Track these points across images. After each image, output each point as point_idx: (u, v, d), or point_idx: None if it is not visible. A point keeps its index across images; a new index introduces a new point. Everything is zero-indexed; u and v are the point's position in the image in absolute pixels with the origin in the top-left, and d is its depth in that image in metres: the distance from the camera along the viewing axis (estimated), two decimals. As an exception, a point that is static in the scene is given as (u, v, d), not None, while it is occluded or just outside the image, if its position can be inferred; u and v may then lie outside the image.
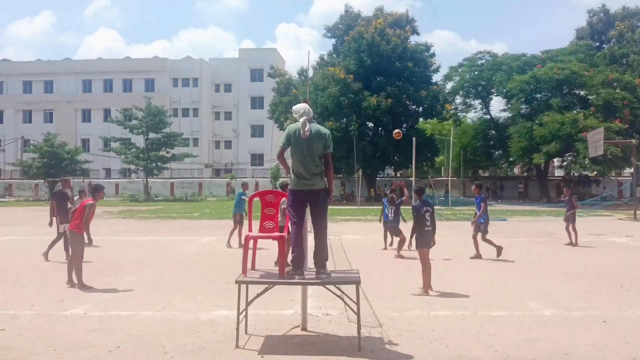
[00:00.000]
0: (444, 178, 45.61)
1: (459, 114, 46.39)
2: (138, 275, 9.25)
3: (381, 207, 12.97)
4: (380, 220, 12.90)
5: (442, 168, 51.53)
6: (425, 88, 38.23)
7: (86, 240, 10.97)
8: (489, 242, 11.11)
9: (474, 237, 11.18)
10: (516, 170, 54.36)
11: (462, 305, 6.99)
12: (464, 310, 6.69)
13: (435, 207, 8.36)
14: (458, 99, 45.70)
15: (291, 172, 5.44)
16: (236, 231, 13.30)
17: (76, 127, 60.38)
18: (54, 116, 60.82)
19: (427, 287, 7.63)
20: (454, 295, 7.55)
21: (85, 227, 8.37)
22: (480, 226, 11.08)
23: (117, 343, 5.36)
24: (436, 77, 42.16)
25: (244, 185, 14.33)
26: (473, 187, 11.46)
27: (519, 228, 18.67)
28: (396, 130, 14.86)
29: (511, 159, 42.41)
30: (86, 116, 61.33)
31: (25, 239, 14.77)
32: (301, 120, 5.36)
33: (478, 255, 11.06)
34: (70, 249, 8.41)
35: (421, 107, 39.86)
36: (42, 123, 59.66)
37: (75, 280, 8.11)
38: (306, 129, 5.27)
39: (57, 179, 43.45)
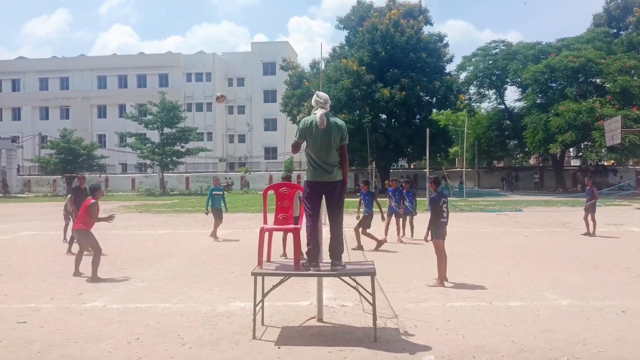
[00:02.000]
0: (458, 169, 45.33)
1: (473, 104, 45.94)
2: (155, 268, 9.37)
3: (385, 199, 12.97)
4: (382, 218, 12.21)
5: (456, 159, 51.16)
6: (438, 79, 37.88)
7: None
8: (369, 235, 11.31)
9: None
10: (531, 160, 53.78)
11: (478, 296, 6.97)
12: (480, 301, 6.66)
13: (449, 199, 8.31)
14: (472, 89, 45.26)
15: (308, 163, 5.46)
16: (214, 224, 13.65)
17: (92, 123, 61.08)
18: (70, 112, 61.55)
19: (442, 278, 7.61)
20: (470, 286, 7.52)
21: (95, 221, 8.60)
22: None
23: (135, 335, 5.44)
24: (450, 68, 41.79)
25: (215, 180, 14.64)
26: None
27: (534, 218, 18.49)
28: (219, 95, 14.37)
29: (526, 149, 41.91)
30: (102, 112, 61.99)
31: (45, 234, 15.02)
32: (319, 112, 5.36)
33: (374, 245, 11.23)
34: (89, 248, 8.57)
35: (435, 98, 39.52)
36: (59, 119, 60.40)
37: (95, 273, 8.29)
38: (323, 120, 5.28)
39: (74, 175, 44.16)
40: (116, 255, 10.88)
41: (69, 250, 11.05)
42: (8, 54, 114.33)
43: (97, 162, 46.10)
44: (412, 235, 12.80)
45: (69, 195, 13.59)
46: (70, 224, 13.19)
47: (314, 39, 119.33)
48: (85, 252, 8.99)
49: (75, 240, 10.53)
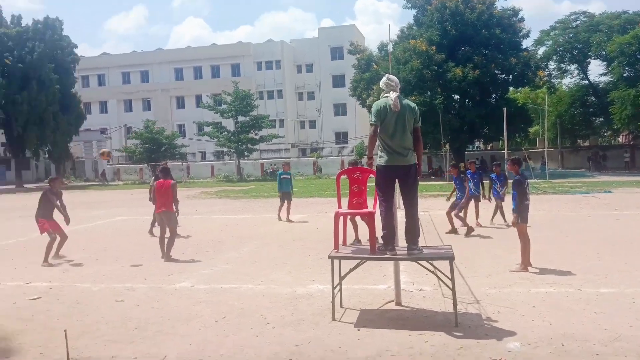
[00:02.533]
0: (539, 149, 43.14)
1: (553, 80, 43.33)
2: (237, 251, 9.77)
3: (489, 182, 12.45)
4: (489, 198, 12.25)
5: (537, 139, 48.62)
6: (514, 55, 35.98)
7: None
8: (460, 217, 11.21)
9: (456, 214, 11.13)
10: (621, 138, 50.03)
11: (565, 281, 6.65)
12: (567, 287, 6.36)
13: (530, 181, 7.95)
14: (552, 65, 42.76)
15: (382, 148, 5.41)
16: (283, 207, 14.22)
17: (172, 114, 64.04)
18: (151, 104, 64.90)
19: (526, 263, 7.34)
20: (556, 272, 7.19)
21: (175, 205, 9.28)
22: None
23: (222, 314, 5.73)
24: (526, 43, 39.56)
25: (285, 165, 15.19)
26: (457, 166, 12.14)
27: (626, 200, 17.26)
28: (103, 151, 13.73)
29: (615, 127, 39.01)
30: (180, 103, 64.80)
31: (135, 219, 16.07)
32: (392, 95, 5.31)
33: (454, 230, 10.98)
34: (167, 227, 9.17)
35: (511, 76, 37.63)
36: (141, 111, 63.84)
37: (169, 253, 8.95)
38: (397, 102, 5.22)
39: (159, 163, 46.70)
40: (201, 239, 11.43)
41: (151, 232, 11.88)
42: (93, 51, 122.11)
43: (179, 151, 48.52)
44: (476, 219, 12.06)
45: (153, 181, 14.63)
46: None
47: (381, 21, 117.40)
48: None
49: (156, 223, 11.25)
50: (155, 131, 46.79)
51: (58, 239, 9.23)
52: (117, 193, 32.50)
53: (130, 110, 65.27)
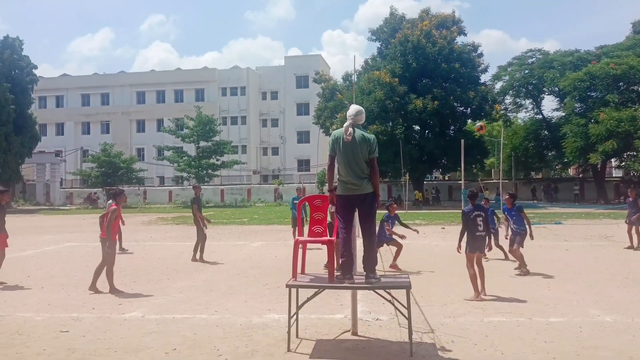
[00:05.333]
0: (494, 180, 44.39)
1: (509, 114, 45.10)
2: (192, 280, 9.52)
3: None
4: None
5: (493, 170, 50.15)
6: (473, 89, 37.40)
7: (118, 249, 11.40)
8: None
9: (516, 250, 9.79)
10: (571, 171, 52.20)
11: (517, 311, 6.79)
12: (519, 316, 6.49)
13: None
14: (508, 99, 44.47)
15: (338, 177, 5.46)
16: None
17: (131, 137, 62.89)
18: (110, 127, 63.60)
19: (477, 291, 7.49)
20: (508, 301, 7.35)
21: (108, 232, 8.33)
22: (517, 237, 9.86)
23: (173, 345, 5.53)
24: (485, 78, 41.22)
25: (299, 190, 15.29)
26: (506, 197, 10.38)
27: (575, 231, 17.92)
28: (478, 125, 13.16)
29: (565, 160, 40.75)
30: (140, 126, 63.78)
31: (86, 245, 15.48)
32: (345, 124, 5.39)
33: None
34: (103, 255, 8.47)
35: (469, 109, 39.01)
36: (100, 134, 62.45)
37: (111, 283, 8.33)
38: (348, 133, 5.29)
39: (114, 187, 45.45)
40: (154, 266, 11.10)
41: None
42: (53, 72, 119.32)
43: (136, 175, 47.36)
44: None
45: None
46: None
47: (347, 52, 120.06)
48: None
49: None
50: (113, 154, 45.71)
51: None
52: (68, 218, 31.34)
53: (88, 133, 63.80)
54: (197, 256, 11.82)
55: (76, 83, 64.74)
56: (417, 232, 11.24)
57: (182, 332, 6.04)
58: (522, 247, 9.80)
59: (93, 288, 8.37)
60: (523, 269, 9.59)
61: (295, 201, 14.37)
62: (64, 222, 27.27)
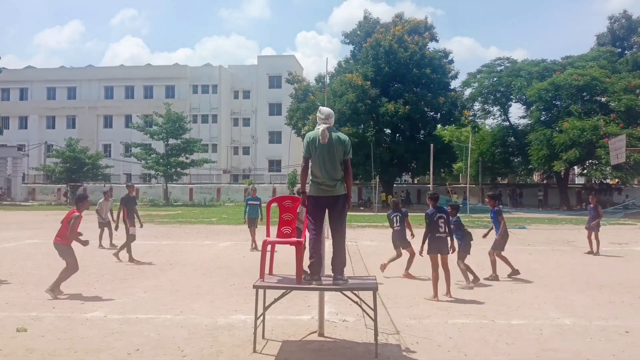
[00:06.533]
0: (462, 185, 45.23)
1: (477, 120, 45.99)
2: (157, 279, 9.36)
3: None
4: None
5: (460, 175, 51.08)
6: (443, 94, 38.06)
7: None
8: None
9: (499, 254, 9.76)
10: (535, 177, 53.63)
11: (480, 313, 6.93)
12: (482, 319, 6.62)
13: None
14: (476, 106, 45.36)
15: (311, 179, 5.46)
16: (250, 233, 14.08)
17: (98, 133, 61.42)
18: (76, 122, 61.94)
19: (435, 293, 7.67)
20: (472, 303, 7.49)
21: (72, 238, 7.90)
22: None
23: (136, 346, 5.43)
24: (455, 84, 42.03)
25: (253, 190, 14.90)
26: (487, 200, 10.23)
27: (538, 236, 18.40)
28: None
29: (530, 166, 41.87)
30: (108, 122, 62.35)
31: (48, 242, 15.00)
32: (321, 127, 5.39)
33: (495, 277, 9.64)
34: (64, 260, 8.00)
35: (439, 114, 39.68)
36: (65, 129, 60.74)
37: (53, 288, 7.75)
38: (324, 135, 5.30)
39: (79, 184, 44.29)
40: (118, 266, 10.87)
41: (132, 260, 11.41)
42: (19, 63, 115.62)
43: (102, 172, 46.24)
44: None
45: (100, 201, 14.14)
46: (106, 231, 13.63)
47: (321, 54, 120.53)
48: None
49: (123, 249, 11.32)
50: (78, 150, 44.53)
51: None
52: (29, 214, 30.38)
53: (53, 127, 62.00)
54: (128, 257, 11.48)
55: (42, 76, 62.83)
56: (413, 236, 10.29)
57: (145, 332, 5.93)
58: (503, 251, 9.69)
59: (54, 293, 7.78)
60: (492, 274, 9.56)
61: (249, 202, 14.16)
62: (25, 218, 26.42)
